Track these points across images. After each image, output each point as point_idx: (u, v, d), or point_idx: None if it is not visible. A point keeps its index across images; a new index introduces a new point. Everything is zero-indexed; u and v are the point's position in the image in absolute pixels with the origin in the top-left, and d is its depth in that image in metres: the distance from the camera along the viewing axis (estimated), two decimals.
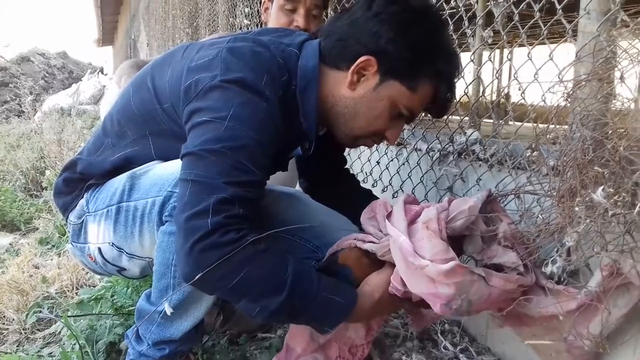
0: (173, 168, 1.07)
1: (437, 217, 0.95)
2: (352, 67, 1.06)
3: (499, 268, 0.97)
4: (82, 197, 1.21)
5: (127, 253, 1.16)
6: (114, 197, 1.14)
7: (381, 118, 1.10)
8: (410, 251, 0.94)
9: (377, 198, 1.46)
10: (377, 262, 1.09)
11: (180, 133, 1.05)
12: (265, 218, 1.13)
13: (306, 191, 1.53)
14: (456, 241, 1.02)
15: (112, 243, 1.16)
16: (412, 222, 1.00)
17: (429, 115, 1.27)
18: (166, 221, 1.07)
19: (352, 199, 1.41)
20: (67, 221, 1.26)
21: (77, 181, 1.22)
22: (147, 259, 1.16)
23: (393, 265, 1.04)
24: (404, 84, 1.06)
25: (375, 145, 1.24)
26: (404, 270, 0.98)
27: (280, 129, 1.04)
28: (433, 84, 1.07)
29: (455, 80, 1.13)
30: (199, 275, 0.91)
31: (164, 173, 1.09)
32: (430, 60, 1.06)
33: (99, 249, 1.19)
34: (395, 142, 1.47)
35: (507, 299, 0.95)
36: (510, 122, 1.33)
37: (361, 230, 1.18)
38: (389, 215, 1.06)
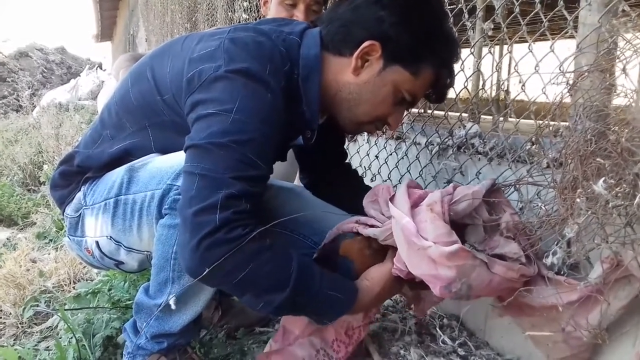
0: (172, 161, 1.07)
1: (441, 200, 0.95)
2: (356, 53, 1.06)
3: (501, 258, 0.97)
4: (80, 190, 1.20)
5: (125, 246, 1.15)
6: (112, 190, 1.13)
7: (385, 103, 1.10)
8: (414, 232, 0.93)
9: None
10: (380, 254, 1.09)
11: (181, 124, 1.04)
12: (265, 212, 1.13)
13: (307, 186, 1.52)
14: (459, 230, 1.01)
15: (110, 236, 1.15)
16: (415, 205, 0.99)
17: (428, 101, 1.27)
18: (165, 214, 1.06)
19: (354, 193, 1.40)
20: (63, 214, 1.25)
21: (74, 174, 1.21)
22: (146, 252, 1.16)
23: (394, 254, 1.04)
24: (407, 69, 1.06)
25: (374, 138, 1.24)
26: (406, 252, 0.97)
27: (283, 119, 1.03)
28: (434, 69, 1.08)
29: (455, 65, 1.14)
30: (206, 271, 0.90)
31: (163, 166, 1.08)
32: (432, 45, 1.07)
33: (97, 242, 1.18)
34: (396, 130, 1.46)
35: (508, 288, 0.95)
36: (511, 118, 1.33)
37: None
38: (392, 199, 1.05)
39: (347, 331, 1.20)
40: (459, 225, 1.00)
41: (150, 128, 1.13)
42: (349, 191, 1.44)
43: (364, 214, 1.18)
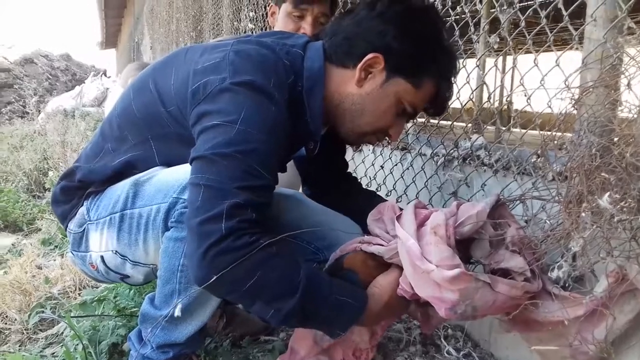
0: (177, 174, 1.07)
1: (445, 222, 0.96)
2: (360, 64, 1.08)
3: (506, 273, 0.98)
4: (82, 206, 1.20)
5: (131, 260, 1.16)
6: (117, 204, 1.13)
7: (387, 114, 1.13)
8: (418, 255, 0.94)
9: (381, 198, 1.47)
10: (383, 265, 1.09)
11: (186, 136, 1.05)
12: (268, 220, 1.13)
13: (311, 197, 1.53)
14: (465, 245, 1.02)
15: (116, 251, 1.15)
16: (420, 225, 1.00)
17: (428, 115, 1.29)
18: (171, 227, 1.07)
19: (357, 201, 1.41)
20: (66, 230, 1.25)
21: (75, 189, 1.21)
22: (151, 265, 1.16)
23: (400, 268, 1.04)
24: (409, 81, 1.09)
25: (379, 149, 1.25)
26: (411, 273, 0.98)
27: (287, 131, 1.04)
28: (435, 80, 1.11)
29: (457, 78, 1.16)
30: (214, 279, 0.91)
31: (168, 179, 1.09)
32: (433, 58, 1.09)
33: (102, 257, 1.18)
34: (401, 140, 1.45)
35: (513, 305, 0.95)
36: (515, 129, 1.34)
37: (364, 231, 1.18)
38: (398, 218, 1.06)
39: (355, 352, 1.20)
40: (465, 239, 1.01)
41: (152, 140, 1.14)
42: (352, 201, 1.45)
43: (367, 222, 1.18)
